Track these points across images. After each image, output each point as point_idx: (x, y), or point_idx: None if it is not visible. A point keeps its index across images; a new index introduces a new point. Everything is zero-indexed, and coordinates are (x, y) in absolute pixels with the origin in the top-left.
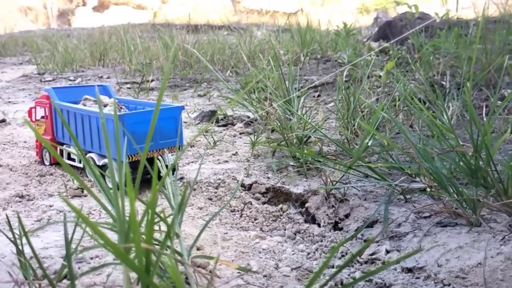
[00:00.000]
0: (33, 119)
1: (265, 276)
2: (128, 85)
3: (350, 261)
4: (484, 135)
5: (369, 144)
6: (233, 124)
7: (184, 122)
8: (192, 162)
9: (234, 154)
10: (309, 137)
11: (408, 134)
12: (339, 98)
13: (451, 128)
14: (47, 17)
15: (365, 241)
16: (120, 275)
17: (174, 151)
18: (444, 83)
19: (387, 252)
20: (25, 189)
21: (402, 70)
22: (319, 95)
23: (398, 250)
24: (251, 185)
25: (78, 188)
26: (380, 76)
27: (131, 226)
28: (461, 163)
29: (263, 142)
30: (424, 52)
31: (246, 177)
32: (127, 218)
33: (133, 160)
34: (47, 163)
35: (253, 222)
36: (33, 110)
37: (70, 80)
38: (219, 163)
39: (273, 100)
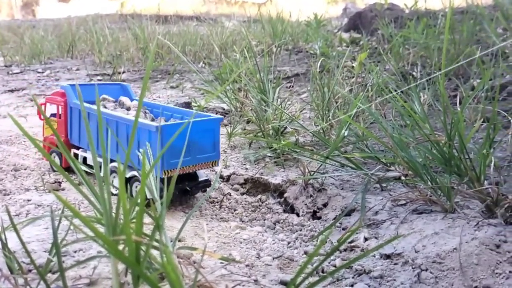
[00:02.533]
0: (42, 117)
1: (247, 265)
2: (99, 77)
3: (334, 251)
4: (457, 124)
5: (345, 134)
6: None
7: None
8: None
9: None
10: (285, 128)
11: (383, 123)
12: (313, 89)
13: (425, 117)
14: (10, 7)
15: (343, 229)
16: (105, 268)
17: (210, 166)
18: (414, 73)
19: (366, 239)
20: (0, 184)
21: (373, 60)
22: (292, 86)
23: (376, 237)
24: (229, 176)
25: (55, 182)
26: (352, 67)
27: (124, 219)
28: (435, 152)
29: (239, 134)
30: (394, 43)
31: (224, 168)
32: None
33: (168, 175)
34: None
35: (233, 213)
36: (42, 107)
37: (39, 72)
38: None
39: (248, 91)
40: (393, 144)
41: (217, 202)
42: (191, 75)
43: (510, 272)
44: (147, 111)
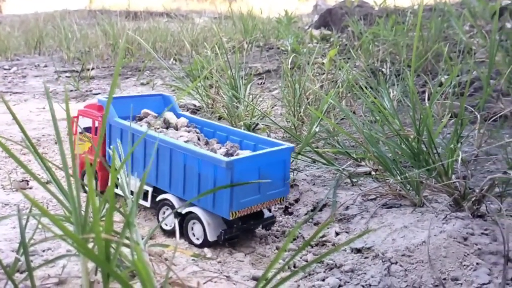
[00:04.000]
0: (73, 131)
1: (219, 262)
2: (67, 74)
3: (305, 245)
4: (425, 119)
5: (316, 130)
6: None
7: None
8: None
9: None
10: (257, 124)
11: (354, 119)
12: (284, 85)
13: (395, 113)
14: None
15: (315, 224)
16: (75, 266)
17: (277, 203)
18: (384, 69)
19: (337, 234)
20: None
21: (344, 57)
22: (263, 83)
23: (347, 232)
24: None
25: (22, 180)
26: (323, 63)
27: (94, 217)
28: (404, 147)
29: None
30: (364, 40)
31: None
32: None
33: (235, 216)
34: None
35: None
36: (75, 120)
37: (5, 69)
38: None
39: (219, 87)
40: (364, 140)
41: None
42: (162, 72)
43: (477, 264)
44: (197, 130)
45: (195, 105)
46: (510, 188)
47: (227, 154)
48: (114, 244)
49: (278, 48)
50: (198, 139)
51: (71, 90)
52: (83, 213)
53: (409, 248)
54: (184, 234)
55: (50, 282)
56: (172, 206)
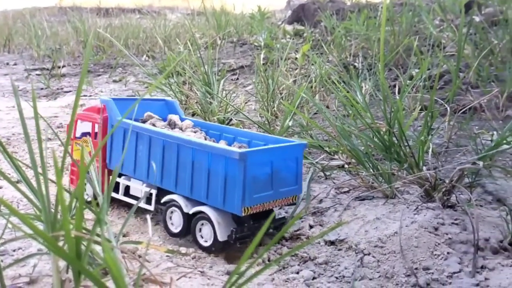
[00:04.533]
0: (72, 136)
1: (194, 258)
2: (38, 72)
3: (278, 238)
4: (396, 112)
5: (290, 124)
6: None
7: None
8: None
9: None
10: (231, 119)
11: (327, 113)
12: (258, 81)
13: (366, 107)
14: None
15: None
16: (46, 265)
17: (289, 202)
18: (356, 64)
19: (311, 227)
20: None
21: (317, 52)
22: (237, 79)
23: (320, 225)
24: None
25: None
26: (296, 59)
27: (63, 215)
28: (376, 140)
29: None
30: (336, 35)
31: None
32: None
33: (248, 213)
34: (88, 197)
35: None
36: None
37: None
38: None
39: (193, 84)
40: (337, 133)
41: None
42: (134, 69)
43: (448, 253)
44: (203, 133)
45: None
46: (479, 178)
47: None
48: (86, 242)
49: (252, 43)
50: (205, 139)
51: (42, 88)
52: (53, 211)
53: (382, 239)
54: (191, 237)
55: (21, 281)
56: (179, 207)
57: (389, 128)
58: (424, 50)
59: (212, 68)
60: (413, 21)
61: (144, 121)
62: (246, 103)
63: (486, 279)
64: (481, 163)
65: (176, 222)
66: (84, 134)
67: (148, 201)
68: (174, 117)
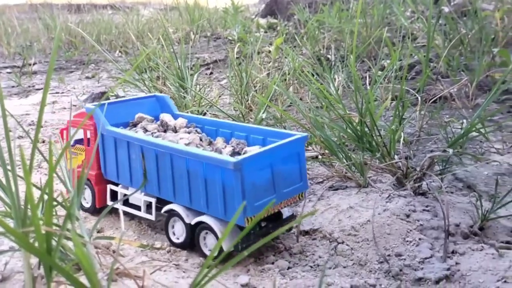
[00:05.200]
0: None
1: (169, 251)
2: (8, 70)
3: (250, 229)
4: (368, 103)
5: (264, 116)
6: None
7: (74, 105)
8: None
9: None
10: (205, 113)
11: (300, 105)
12: (232, 75)
13: (339, 98)
14: None
15: None
16: (18, 262)
17: (296, 200)
18: (329, 56)
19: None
20: None
21: (290, 45)
22: (211, 73)
23: (295, 215)
24: None
25: None
26: (270, 52)
27: (32, 210)
28: (349, 130)
29: None
30: (309, 27)
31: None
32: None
33: (251, 223)
34: (87, 205)
35: None
36: (64, 132)
37: None
38: None
39: (166, 78)
40: (310, 125)
41: None
42: (107, 65)
43: (419, 239)
44: (198, 130)
45: None
46: (449, 165)
47: (234, 153)
48: (57, 238)
49: (225, 37)
50: (200, 139)
51: (13, 86)
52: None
53: (355, 228)
54: (196, 247)
55: None
56: (180, 217)
57: (361, 118)
58: (396, 42)
59: (186, 63)
60: (384, 13)
61: (135, 124)
62: (220, 96)
63: (456, 263)
64: (451, 150)
65: (178, 232)
66: (77, 141)
67: (148, 210)
68: (166, 117)
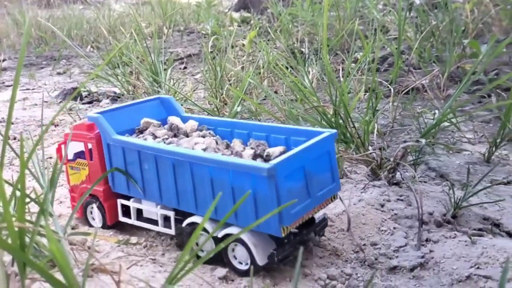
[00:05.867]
0: (64, 159)
1: (145, 246)
2: None
3: (224, 221)
4: (341, 95)
5: (238, 110)
6: (99, 101)
7: (45, 101)
8: (58, 141)
9: None
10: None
11: (275, 98)
12: (206, 69)
13: (313, 91)
14: None
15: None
16: None
17: (329, 203)
18: (303, 49)
19: None
20: None
21: (264, 39)
22: (185, 67)
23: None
24: None
25: None
26: (243, 45)
27: (3, 206)
28: (323, 122)
29: None
30: (283, 21)
31: None
32: None
33: (288, 232)
34: (96, 224)
35: None
36: (62, 147)
37: None
38: None
39: (140, 73)
40: (285, 117)
41: None
42: (79, 60)
43: (394, 228)
44: (211, 132)
45: (115, 92)
46: (422, 155)
47: (256, 155)
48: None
49: (199, 32)
50: (216, 143)
51: None
52: None
53: (331, 218)
54: (224, 260)
55: None
56: (205, 229)
57: (335, 109)
58: (368, 34)
59: (159, 57)
60: (357, 6)
61: (141, 131)
62: (194, 90)
63: (430, 251)
64: (423, 140)
65: (204, 247)
66: (78, 155)
67: (167, 223)
68: (175, 120)
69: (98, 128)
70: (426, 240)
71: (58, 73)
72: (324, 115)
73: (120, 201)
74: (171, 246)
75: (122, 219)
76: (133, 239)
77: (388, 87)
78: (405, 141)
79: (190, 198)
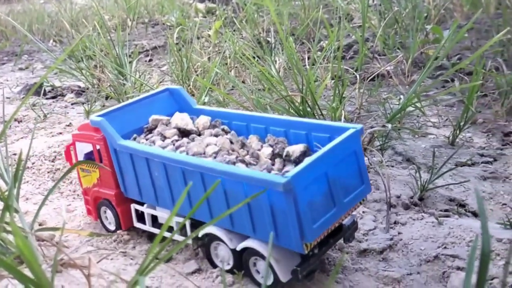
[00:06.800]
0: (73, 161)
1: (115, 240)
2: None
3: (190, 214)
4: (308, 83)
5: (206, 100)
6: (63, 95)
7: (7, 97)
8: (22, 137)
9: (68, 125)
10: None
11: (242, 88)
12: (172, 61)
13: (280, 80)
14: None
15: None
16: None
17: (357, 206)
18: (269, 39)
19: None
20: None
21: (230, 29)
22: (151, 60)
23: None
24: None
25: None
26: (209, 36)
27: None
28: (291, 110)
29: (98, 110)
30: (248, 11)
31: None
32: None
33: (311, 247)
34: (111, 227)
35: None
36: (71, 148)
37: None
38: (53, 135)
39: (104, 66)
40: (253, 107)
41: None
42: (42, 55)
43: (363, 212)
44: (225, 128)
45: (79, 87)
46: (389, 140)
47: (274, 155)
48: None
49: (164, 23)
50: (231, 142)
51: None
52: None
53: None
54: (246, 273)
55: None
56: (221, 240)
57: (302, 96)
58: (333, 23)
59: (124, 50)
60: None
61: (150, 130)
62: (160, 82)
63: (399, 233)
64: (389, 125)
65: (224, 257)
66: (88, 156)
67: (184, 233)
68: (180, 121)
69: (102, 132)
70: (395, 223)
71: (20, 69)
72: (292, 103)
73: (133, 206)
74: (142, 239)
75: (137, 225)
76: (104, 233)
77: (354, 74)
78: (371, 127)
79: (204, 208)
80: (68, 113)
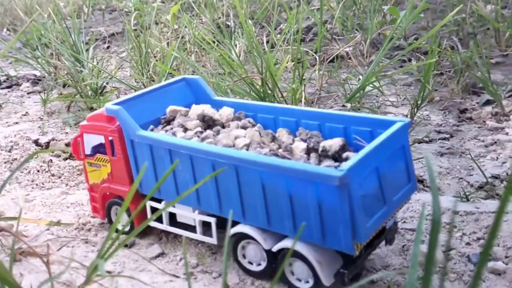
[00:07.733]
0: (81, 155)
1: (76, 228)
2: None
3: (146, 199)
4: (268, 66)
5: None
6: (18, 85)
7: None
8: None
9: (24, 115)
10: (105, 87)
11: (202, 72)
12: (130, 47)
13: (240, 63)
14: None
15: None
16: None
17: (403, 206)
18: (229, 23)
19: None
20: None
21: (189, 14)
22: (108, 46)
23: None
24: (48, 142)
25: None
26: (168, 21)
27: None
28: (252, 93)
29: (55, 98)
30: None
31: (42, 135)
32: None
33: (362, 248)
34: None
35: (57, 180)
36: (79, 140)
37: None
38: (9, 125)
39: (61, 54)
40: (214, 90)
41: (38, 171)
42: None
43: None
44: (251, 120)
45: (35, 75)
46: None
47: (308, 149)
48: None
49: (121, 9)
50: (260, 135)
51: None
52: None
53: None
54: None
55: None
56: (252, 238)
57: (262, 78)
58: (293, 6)
59: (81, 37)
60: None
61: (168, 121)
62: (119, 68)
63: None
64: (349, 105)
65: (253, 258)
66: (97, 149)
67: (206, 230)
68: (207, 110)
69: (119, 121)
70: None
71: None
72: (252, 85)
73: (149, 203)
74: (103, 226)
75: (152, 224)
76: (64, 221)
77: (313, 56)
78: (332, 107)
79: (235, 205)
80: (24, 102)
